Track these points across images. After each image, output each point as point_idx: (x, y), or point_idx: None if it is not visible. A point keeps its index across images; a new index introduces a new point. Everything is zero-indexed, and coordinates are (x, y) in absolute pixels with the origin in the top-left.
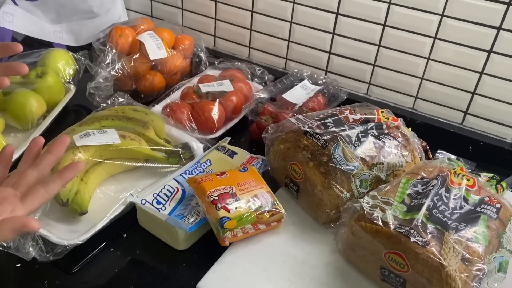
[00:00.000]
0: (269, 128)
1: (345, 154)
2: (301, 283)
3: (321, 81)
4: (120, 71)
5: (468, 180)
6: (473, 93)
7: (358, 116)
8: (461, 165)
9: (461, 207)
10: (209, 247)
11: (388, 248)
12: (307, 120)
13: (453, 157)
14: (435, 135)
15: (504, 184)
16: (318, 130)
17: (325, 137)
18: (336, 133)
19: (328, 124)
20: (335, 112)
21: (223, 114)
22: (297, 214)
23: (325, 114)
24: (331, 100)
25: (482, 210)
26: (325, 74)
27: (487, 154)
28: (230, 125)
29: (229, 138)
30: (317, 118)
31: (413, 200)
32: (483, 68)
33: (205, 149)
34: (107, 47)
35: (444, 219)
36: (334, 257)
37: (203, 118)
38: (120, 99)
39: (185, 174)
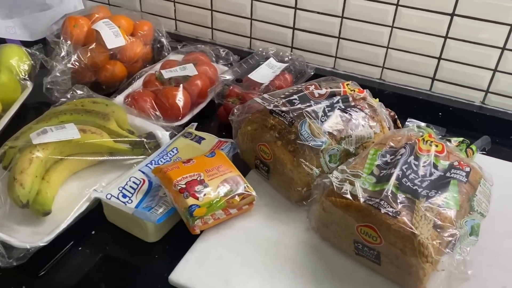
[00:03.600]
0: (235, 110)
1: (312, 130)
2: (277, 264)
3: (287, 58)
4: (76, 63)
5: (436, 146)
6: (439, 58)
7: (323, 91)
8: (431, 131)
9: (431, 174)
10: (181, 237)
11: (359, 221)
12: (273, 98)
13: (422, 124)
14: (404, 103)
15: (473, 147)
16: (284, 108)
17: (291, 115)
18: (302, 110)
19: (293, 101)
20: (300, 89)
21: (188, 99)
22: (270, 195)
23: (291, 91)
24: (298, 76)
25: (452, 175)
26: (291, 51)
27: (456, 119)
28: (196, 110)
29: (195, 124)
30: (282, 96)
31: (382, 171)
32: (447, 32)
33: (171, 137)
34: (61, 39)
35: (414, 188)
36: (308, 235)
37: (167, 105)
38: (79, 92)
39: (151, 164)
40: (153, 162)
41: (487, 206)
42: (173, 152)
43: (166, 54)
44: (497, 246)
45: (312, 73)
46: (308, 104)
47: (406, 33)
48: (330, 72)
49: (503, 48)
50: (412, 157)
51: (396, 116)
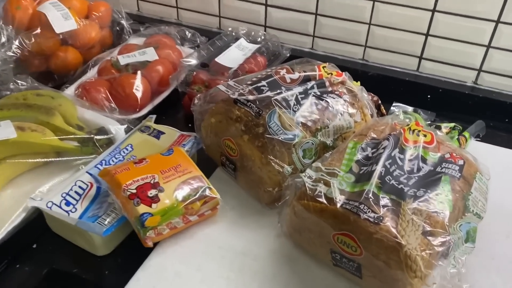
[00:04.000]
0: (196, 100)
1: (283, 121)
2: (243, 279)
3: (259, 39)
4: (18, 50)
5: (425, 136)
6: (427, 34)
7: (296, 75)
8: (419, 118)
9: (418, 169)
10: (136, 248)
11: (336, 229)
12: (239, 86)
13: (410, 109)
14: (390, 86)
15: (466, 134)
16: (250, 97)
17: (258, 104)
18: (271, 98)
19: (262, 88)
20: (270, 73)
21: (148, 88)
22: (237, 196)
23: (259, 76)
24: (272, 59)
25: (443, 170)
26: (264, 30)
27: (447, 101)
28: (158, 100)
29: (154, 116)
30: (249, 83)
31: (362, 168)
32: (435, 5)
33: (126, 131)
34: (1, 23)
35: (399, 186)
36: (280, 243)
37: (123, 95)
38: (22, 84)
39: (101, 165)
40: (103, 162)
41: (484, 205)
42: (127, 149)
43: (127, 37)
44: (495, 247)
45: (288, 55)
46: (278, 91)
47: (390, 7)
48: (308, 53)
49: (497, 21)
50: (397, 150)
51: (380, 101)
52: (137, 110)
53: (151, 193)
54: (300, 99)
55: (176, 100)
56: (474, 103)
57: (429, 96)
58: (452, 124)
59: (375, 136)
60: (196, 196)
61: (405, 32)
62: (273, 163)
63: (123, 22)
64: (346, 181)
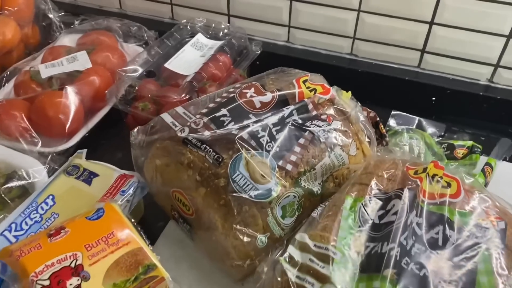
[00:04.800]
0: (134, 133)
1: (252, 170)
2: None
3: (222, 33)
4: None
5: (448, 185)
6: (431, 22)
7: (268, 97)
8: (427, 137)
9: (445, 241)
10: None
11: None
12: (190, 115)
13: (414, 119)
14: (385, 87)
15: (492, 162)
16: (206, 133)
17: (217, 146)
18: (234, 135)
19: (222, 119)
20: (232, 95)
21: (80, 108)
22: (197, 266)
23: (218, 100)
24: (238, 60)
25: (478, 239)
26: (228, 21)
27: (456, 105)
28: (93, 121)
29: (84, 151)
30: (204, 111)
31: (368, 245)
32: None
33: (50, 173)
34: None
35: (421, 273)
36: None
37: (46, 121)
38: None
39: (10, 231)
40: (13, 226)
41: None
42: (46, 204)
43: (58, 34)
44: None
45: (259, 51)
46: (244, 122)
47: None
48: (283, 47)
49: None
50: (414, 213)
51: (378, 118)
52: (65, 139)
53: (71, 284)
54: (274, 132)
55: (118, 117)
56: (490, 106)
57: (434, 99)
58: (469, 143)
59: (380, 187)
60: (136, 283)
61: (403, 20)
62: (240, 234)
63: (51, 15)
64: (347, 269)
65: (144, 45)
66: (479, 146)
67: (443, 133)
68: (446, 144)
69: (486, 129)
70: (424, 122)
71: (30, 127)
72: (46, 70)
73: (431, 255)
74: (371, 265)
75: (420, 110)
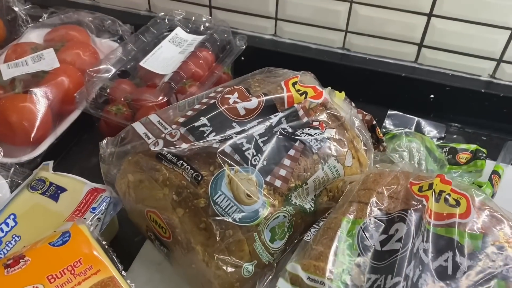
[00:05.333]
0: (102, 146)
1: (236, 189)
2: None
3: (203, 27)
4: None
5: (457, 203)
6: (429, 14)
7: (254, 102)
8: (427, 140)
9: (455, 269)
10: None
11: None
12: (165, 125)
13: (413, 119)
14: (380, 85)
15: (500, 169)
16: (183, 146)
17: (196, 162)
18: (215, 149)
19: (202, 129)
20: (213, 101)
21: (48, 112)
22: None
23: (198, 107)
24: (221, 56)
25: (493, 267)
26: (209, 14)
27: (456, 103)
28: (62, 127)
29: (50, 163)
30: (181, 120)
31: (370, 276)
32: None
33: (12, 188)
34: None
35: None
36: None
37: (8, 128)
38: None
39: None
40: None
41: None
42: (7, 225)
43: (24, 29)
44: None
45: (244, 46)
46: (227, 132)
47: None
48: (270, 41)
49: None
50: (421, 238)
51: (374, 121)
52: (31, 148)
53: None
54: (261, 144)
55: (91, 120)
56: (492, 103)
57: (432, 96)
58: (473, 147)
59: (381, 206)
60: None
61: (399, 11)
62: (223, 264)
63: (16, 8)
64: None
65: (118, 41)
66: (484, 150)
67: (443, 135)
68: (447, 148)
69: (488, 128)
70: (423, 123)
71: None
72: (8, 71)
73: (440, 286)
74: None
75: (417, 108)
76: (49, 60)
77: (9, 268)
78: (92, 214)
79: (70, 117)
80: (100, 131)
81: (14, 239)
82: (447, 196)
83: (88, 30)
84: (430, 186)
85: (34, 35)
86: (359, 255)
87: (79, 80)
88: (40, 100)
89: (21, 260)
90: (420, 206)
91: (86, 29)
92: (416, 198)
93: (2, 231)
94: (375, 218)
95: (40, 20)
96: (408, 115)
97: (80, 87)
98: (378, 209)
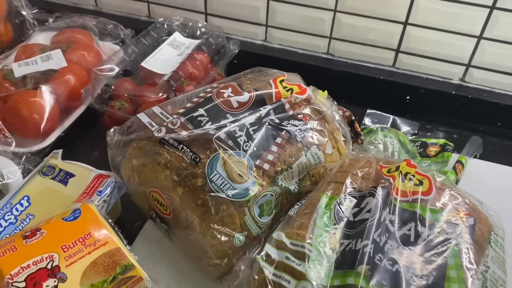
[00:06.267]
0: (110, 133)
1: (229, 170)
2: None
3: (199, 32)
4: None
5: (420, 182)
6: (405, 23)
7: (246, 96)
8: (401, 135)
9: (416, 237)
10: None
11: None
12: (167, 115)
13: (389, 117)
14: (360, 87)
15: (463, 159)
16: (183, 133)
17: (194, 146)
18: (211, 135)
19: (199, 119)
20: (209, 95)
21: (55, 107)
22: (174, 265)
23: (195, 100)
24: (216, 59)
25: (450, 235)
26: (205, 20)
27: (430, 103)
28: (69, 121)
29: (59, 151)
30: (181, 111)
31: (342, 242)
32: None
33: (25, 174)
34: None
35: (394, 268)
36: None
37: (20, 121)
38: None
39: None
40: None
41: (504, 283)
42: (21, 205)
43: (32, 32)
44: None
45: (236, 50)
46: (222, 122)
47: None
48: (261, 46)
49: (492, 7)
50: (387, 211)
51: (353, 117)
52: (40, 139)
53: (47, 286)
54: (252, 132)
55: (95, 116)
56: (462, 104)
57: (408, 98)
58: (442, 141)
59: (355, 185)
60: (114, 283)
61: (378, 20)
62: (217, 233)
63: (24, 12)
64: (322, 266)
65: (120, 44)
66: (451, 144)
67: (416, 131)
68: (419, 142)
69: (458, 127)
70: (398, 120)
71: (3, 127)
72: (19, 69)
73: (404, 251)
74: (346, 261)
75: (394, 108)
76: (57, 60)
77: (27, 239)
78: (98, 197)
79: (76, 112)
80: (104, 125)
81: (28, 218)
82: (412, 177)
83: (92, 33)
84: (397, 168)
85: (41, 38)
86: (334, 224)
87: (84, 79)
88: (49, 95)
89: (37, 232)
90: (388, 184)
91: (90, 32)
92: (384, 178)
93: (17, 210)
94: (349, 194)
95: (46, 24)
96: (385, 114)
97: (85, 85)
98: (352, 187)
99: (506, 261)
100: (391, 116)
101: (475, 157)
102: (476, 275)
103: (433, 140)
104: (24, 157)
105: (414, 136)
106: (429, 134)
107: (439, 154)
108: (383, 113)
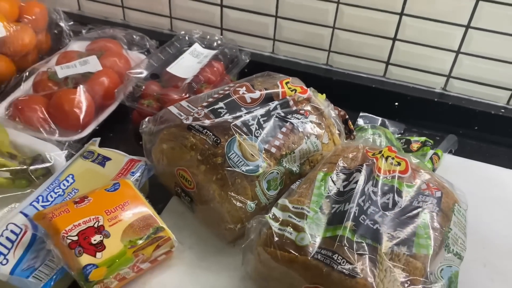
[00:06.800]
0: (144, 124)
1: (244, 150)
2: None
3: (216, 43)
4: None
5: (398, 164)
6: (394, 39)
7: (257, 94)
8: (388, 132)
9: (394, 204)
10: None
11: (308, 281)
12: (193, 108)
13: (378, 119)
14: (355, 93)
15: (439, 152)
16: (206, 122)
17: (215, 132)
18: (229, 123)
19: (219, 110)
20: (228, 92)
21: (92, 103)
22: (195, 233)
23: (215, 96)
24: (230, 66)
25: (420, 203)
26: (221, 33)
27: (415, 109)
28: (103, 116)
29: (98, 139)
30: (205, 104)
31: (334, 206)
32: (403, 8)
33: (68, 158)
34: None
35: (375, 227)
36: (245, 287)
37: (63, 114)
38: None
39: (37, 202)
40: (40, 198)
41: (464, 242)
42: (67, 181)
43: (68, 41)
44: (472, 279)
45: (247, 60)
46: (238, 113)
47: (355, 9)
48: (269, 57)
49: (467, 26)
50: (370, 183)
51: (347, 116)
52: (80, 130)
53: (95, 240)
54: (262, 122)
55: (124, 114)
56: (443, 110)
57: (396, 104)
58: (423, 139)
59: (345, 165)
60: (148, 240)
61: (371, 36)
62: (234, 200)
63: (62, 24)
64: (317, 222)
65: (146, 53)
66: (431, 141)
67: (402, 131)
68: (404, 140)
69: (440, 130)
70: (387, 121)
71: (49, 119)
72: (62, 71)
73: (383, 215)
74: (336, 219)
75: (384, 113)
76: (93, 64)
77: (77, 204)
78: (132, 177)
79: (108, 109)
80: (132, 121)
81: (73, 191)
82: (392, 160)
83: (121, 43)
84: (380, 152)
85: (76, 46)
86: (328, 193)
87: (116, 81)
88: (87, 94)
89: (85, 199)
90: (372, 163)
91: (119, 42)
92: (369, 159)
93: (64, 185)
94: (340, 172)
95: (81, 34)
96: (376, 116)
97: (117, 86)
98: (343, 166)
99: (466, 227)
100: (380, 118)
101: (450, 152)
102: (440, 234)
103: (416, 138)
104: (66, 143)
105: (400, 135)
106: (414, 134)
107: (420, 149)
108: (374, 116)
